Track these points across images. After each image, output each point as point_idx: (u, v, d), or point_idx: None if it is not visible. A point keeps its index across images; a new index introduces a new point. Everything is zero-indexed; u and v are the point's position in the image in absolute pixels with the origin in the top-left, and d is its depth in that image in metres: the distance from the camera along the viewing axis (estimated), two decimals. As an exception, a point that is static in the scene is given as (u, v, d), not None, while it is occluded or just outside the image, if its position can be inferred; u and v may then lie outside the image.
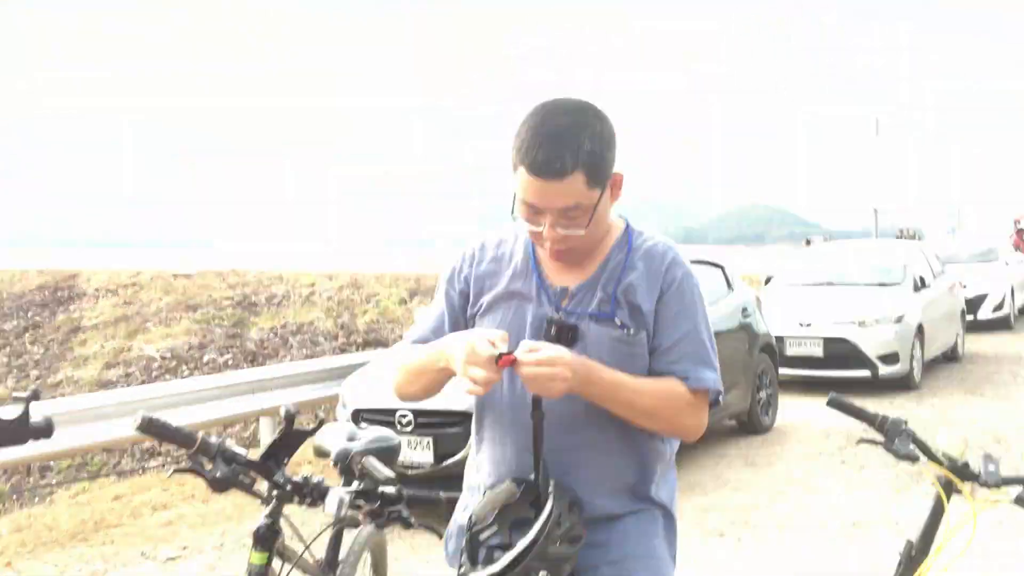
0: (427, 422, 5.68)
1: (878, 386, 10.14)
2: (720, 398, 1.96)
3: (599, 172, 1.81)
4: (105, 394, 8.09)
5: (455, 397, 6.79)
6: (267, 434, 7.47)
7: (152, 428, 1.70)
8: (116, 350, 28.59)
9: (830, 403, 2.31)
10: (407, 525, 2.07)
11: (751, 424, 8.08)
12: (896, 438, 2.22)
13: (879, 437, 2.25)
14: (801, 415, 9.06)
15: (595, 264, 1.94)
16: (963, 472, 2.21)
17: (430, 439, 5.69)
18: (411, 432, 5.67)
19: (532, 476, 1.82)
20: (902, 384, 10.22)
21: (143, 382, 25.29)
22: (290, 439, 1.91)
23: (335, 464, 2.47)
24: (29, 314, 32.29)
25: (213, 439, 1.77)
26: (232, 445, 1.82)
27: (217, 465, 1.75)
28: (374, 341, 25.35)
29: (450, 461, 5.51)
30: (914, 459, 2.21)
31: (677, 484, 2.07)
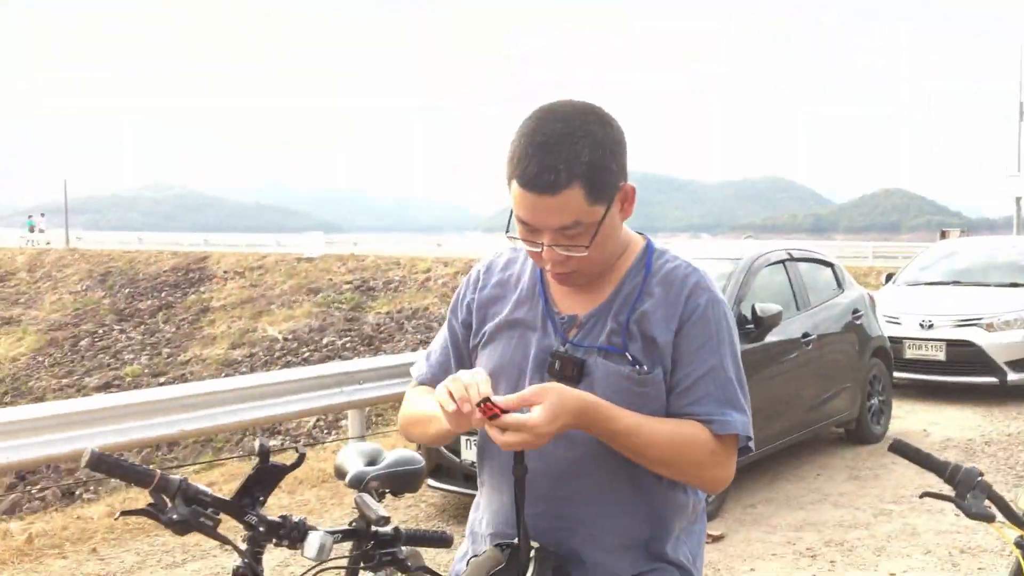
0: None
1: (1006, 393, 9.42)
2: (751, 444, 1.70)
3: (601, 185, 1.58)
4: (205, 383, 8.24)
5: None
6: (355, 427, 7.47)
7: (103, 465, 1.58)
8: (241, 331, 29.76)
9: (892, 448, 2.02)
10: (403, 569, 1.90)
11: (860, 433, 7.60)
12: (968, 493, 1.91)
13: (948, 490, 1.95)
14: (918, 423, 8.50)
15: (609, 289, 1.71)
16: (1048, 536, 1.89)
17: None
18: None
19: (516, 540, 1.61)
20: (1034, 393, 9.47)
21: (266, 362, 26.28)
22: (266, 475, 1.77)
23: (350, 487, 2.33)
24: (162, 294, 33.92)
25: (174, 477, 1.64)
26: (196, 484, 1.68)
27: (177, 506, 1.62)
28: (487, 328, 25.56)
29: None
30: (990, 519, 1.90)
31: (704, 538, 1.82)
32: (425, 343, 25.33)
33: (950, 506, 5.95)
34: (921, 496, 2.01)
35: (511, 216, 1.64)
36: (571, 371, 1.66)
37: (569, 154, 1.55)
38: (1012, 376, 9.27)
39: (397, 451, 2.49)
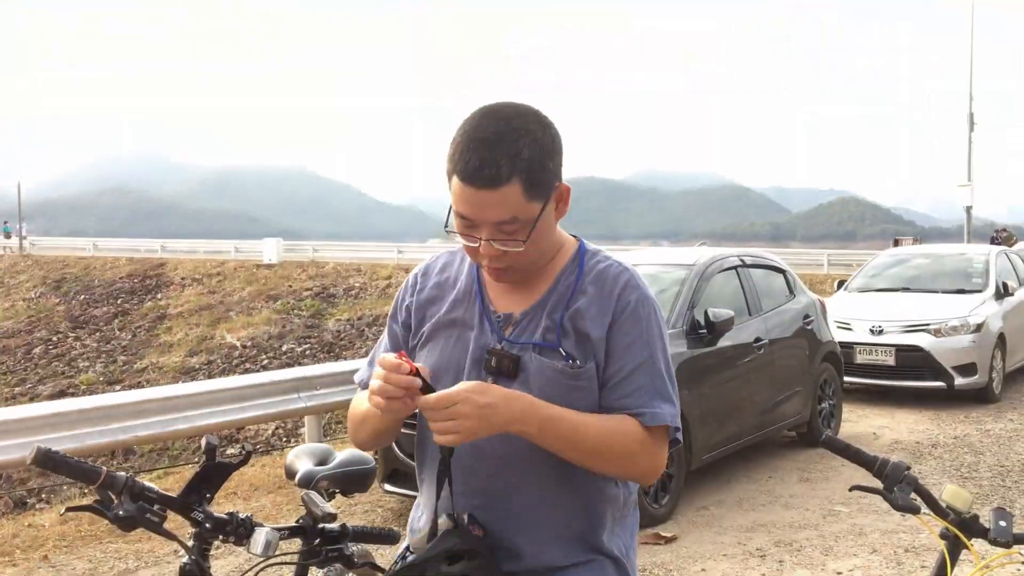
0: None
1: (954, 398, 9.65)
2: (679, 436, 1.76)
3: (538, 183, 1.64)
4: (160, 389, 8.17)
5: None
6: (313, 433, 7.46)
7: (49, 461, 1.60)
8: (199, 338, 29.45)
9: (822, 444, 2.09)
10: (350, 565, 1.93)
11: (810, 436, 7.73)
12: (895, 486, 1.98)
13: (877, 484, 2.02)
14: (868, 427, 8.67)
15: (543, 288, 1.77)
16: (970, 527, 1.97)
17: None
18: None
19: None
20: (980, 397, 9.69)
21: (224, 370, 26.00)
22: (212, 473, 1.80)
23: (300, 487, 2.36)
24: (119, 301, 33.47)
25: (120, 474, 1.67)
26: (143, 481, 1.71)
27: (123, 502, 1.64)
28: (448, 335, 25.51)
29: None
30: (915, 511, 1.98)
31: (636, 531, 1.88)
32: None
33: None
34: (850, 489, 2.09)
35: (450, 211, 1.68)
36: (507, 367, 1.71)
37: (510, 151, 1.60)
38: (959, 380, 9.49)
39: (348, 451, 2.52)
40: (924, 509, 2.00)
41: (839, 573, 4.93)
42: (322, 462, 2.47)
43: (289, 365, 23.63)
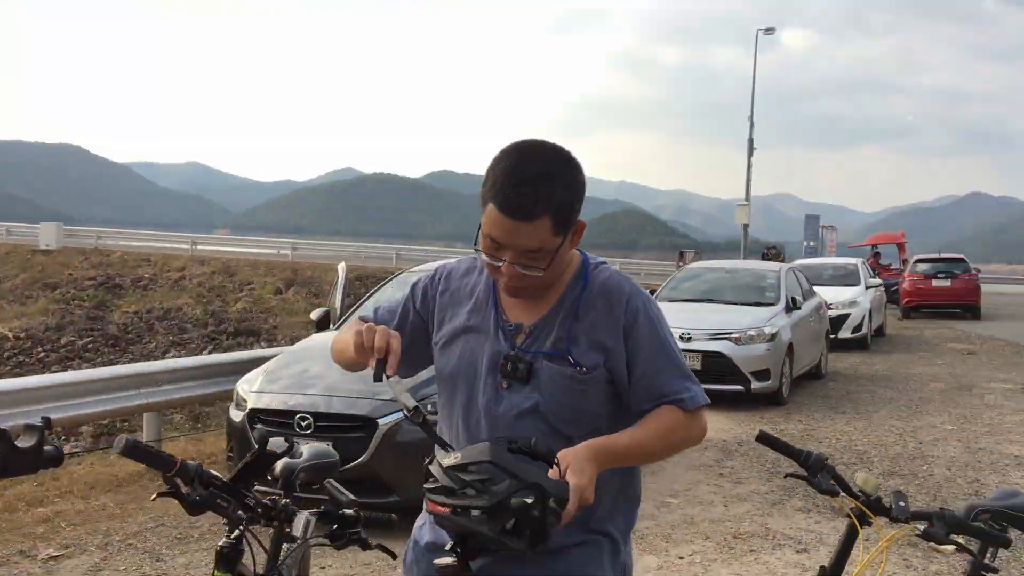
0: (327, 425, 5.63)
1: (750, 400, 10.63)
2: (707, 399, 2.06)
3: (566, 220, 1.89)
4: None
5: (356, 402, 6.63)
6: (151, 430, 7.25)
7: (135, 452, 1.69)
8: (-36, 327, 27.01)
9: (759, 439, 2.48)
10: (365, 546, 2.12)
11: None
12: (818, 473, 2.40)
13: (803, 472, 2.43)
14: (679, 426, 9.41)
15: (552, 300, 2.02)
16: (876, 507, 2.41)
17: (329, 444, 5.65)
18: (310, 435, 5.60)
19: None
20: (772, 399, 10.74)
21: (-7, 363, 23.99)
22: (261, 462, 1.93)
23: (278, 479, 2.48)
24: None
25: (191, 463, 1.78)
26: (208, 469, 1.83)
27: (195, 489, 1.76)
28: (246, 330, 24.75)
29: (349, 466, 5.47)
30: (834, 493, 2.40)
31: (636, 508, 2.11)
32: (178, 344, 24.27)
33: (719, 499, 6.66)
34: (785, 477, 2.49)
35: (479, 231, 1.91)
36: (521, 372, 1.96)
37: (547, 192, 1.85)
38: (755, 384, 10.48)
39: (312, 445, 2.66)
40: (841, 493, 2.42)
41: (681, 558, 5.46)
42: (293, 456, 2.59)
43: (69, 359, 22.29)
